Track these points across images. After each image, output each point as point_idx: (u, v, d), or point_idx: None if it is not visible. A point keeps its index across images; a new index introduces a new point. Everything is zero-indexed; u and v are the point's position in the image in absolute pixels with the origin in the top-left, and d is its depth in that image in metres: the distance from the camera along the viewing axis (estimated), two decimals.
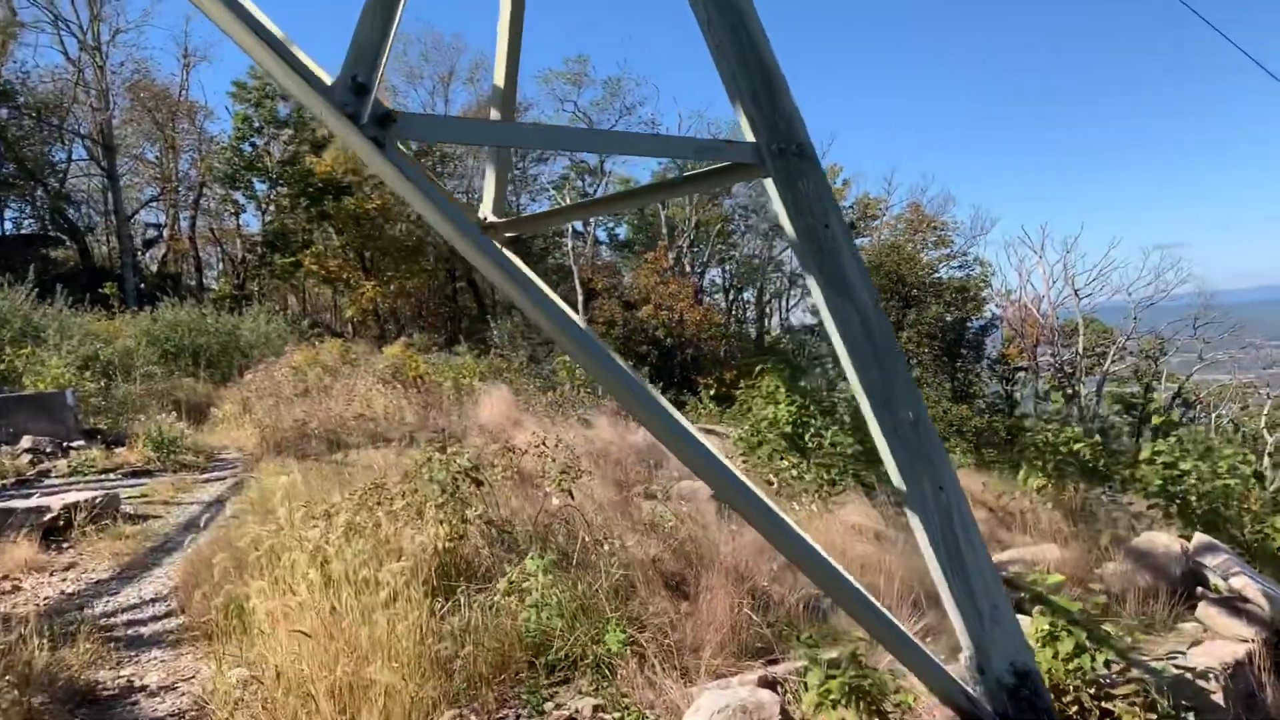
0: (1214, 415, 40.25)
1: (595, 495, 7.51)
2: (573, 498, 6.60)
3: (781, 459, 9.59)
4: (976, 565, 3.55)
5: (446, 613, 5.17)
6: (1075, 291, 38.63)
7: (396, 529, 5.72)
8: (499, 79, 4.47)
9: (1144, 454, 7.73)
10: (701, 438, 3.53)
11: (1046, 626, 4.33)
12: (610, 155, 40.27)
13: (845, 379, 10.88)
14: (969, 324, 38.82)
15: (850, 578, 3.70)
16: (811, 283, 3.63)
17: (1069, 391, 39.02)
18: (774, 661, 5.08)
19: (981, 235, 42.91)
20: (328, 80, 2.85)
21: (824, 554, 3.72)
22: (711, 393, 21.98)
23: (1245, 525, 7.21)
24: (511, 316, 32.06)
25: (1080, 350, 38.51)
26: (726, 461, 3.61)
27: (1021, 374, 41.66)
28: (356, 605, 4.62)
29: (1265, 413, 40.88)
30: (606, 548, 5.93)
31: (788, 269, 45.78)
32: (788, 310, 46.19)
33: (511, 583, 5.44)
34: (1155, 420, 9.73)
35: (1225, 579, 5.11)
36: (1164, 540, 5.97)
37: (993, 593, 3.55)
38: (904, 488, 3.59)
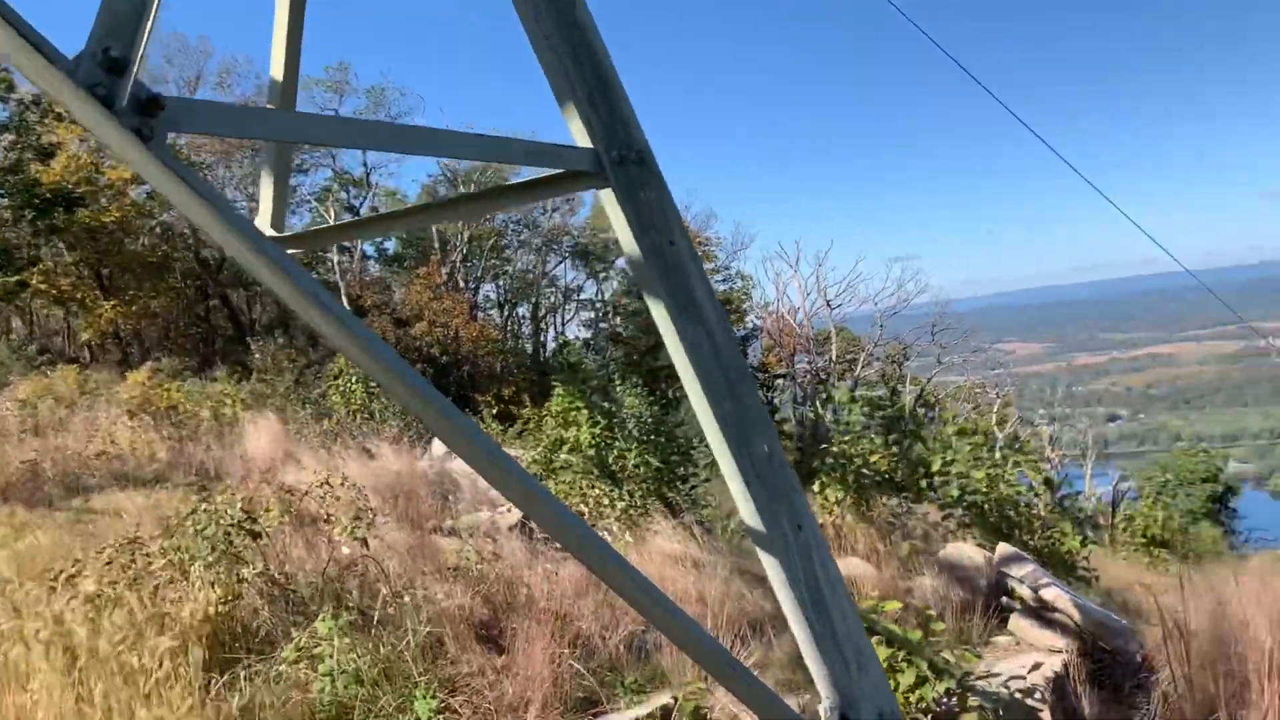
0: (948, 414, 44.06)
1: (389, 538, 6.81)
2: (367, 546, 5.89)
3: (592, 486, 9.19)
4: (840, 609, 3.32)
5: (224, 689, 4.41)
6: (828, 303, 41.11)
7: (159, 594, 4.87)
8: (277, 70, 3.85)
9: (935, 465, 8.02)
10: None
11: (885, 657, 4.21)
12: (385, 163, 38.77)
13: (635, 395, 10.54)
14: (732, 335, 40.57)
15: (687, 613, 3.38)
16: (656, 306, 3.27)
17: (823, 396, 41.54)
18: (600, 714, 4.69)
19: (742, 250, 44.94)
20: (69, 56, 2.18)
21: (657, 587, 3.37)
22: (494, 411, 21.37)
23: (1035, 531, 7.61)
24: (274, 337, 30.03)
25: (834, 357, 41.02)
26: (542, 486, 3.18)
27: (780, 381, 43.95)
28: (112, 698, 3.81)
29: (995, 410, 45.30)
30: (409, 600, 5.32)
31: (562, 283, 45.88)
32: (563, 325, 46.30)
33: (300, 649, 4.73)
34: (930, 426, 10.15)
35: (1034, 589, 5.23)
36: (970, 551, 6.12)
37: (857, 637, 3.33)
38: (760, 528, 3.30)
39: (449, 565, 6.38)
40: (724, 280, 44.03)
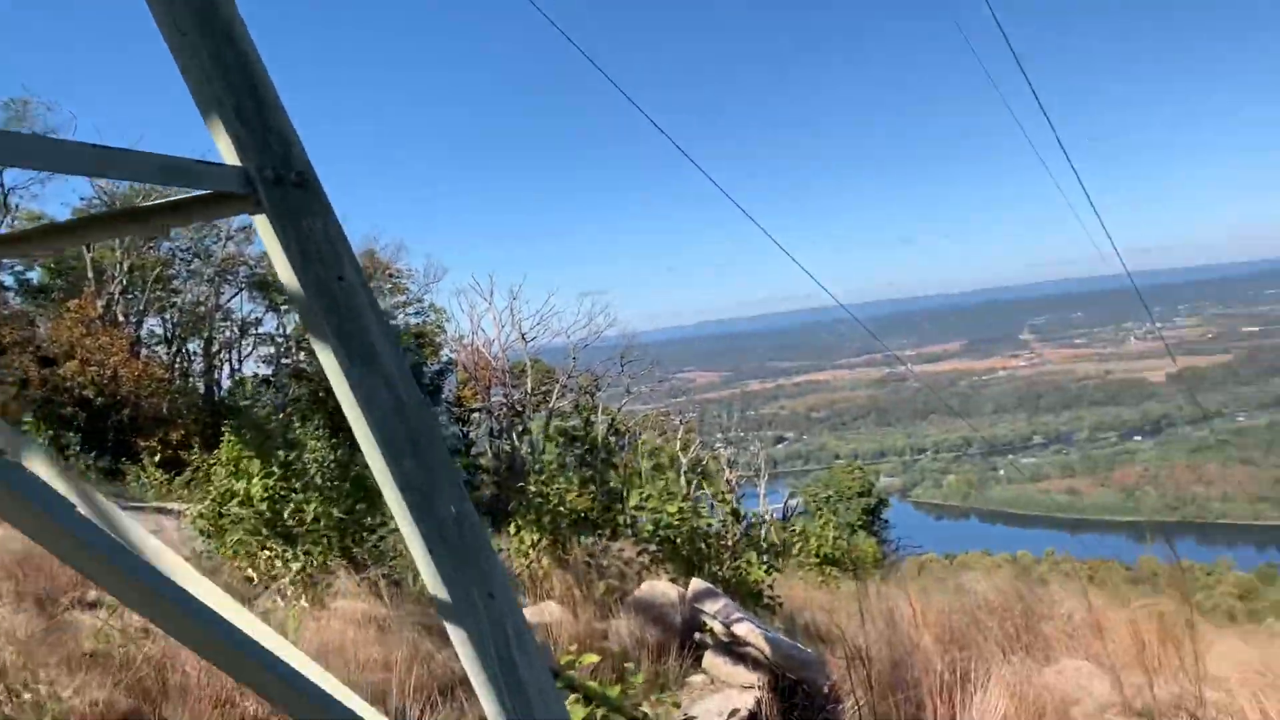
0: (640, 441, 45.93)
1: (6, 624, 5.65)
2: None
3: (263, 546, 8.22)
4: (535, 682, 3.03)
5: None
6: (522, 335, 41.39)
7: None
8: None
9: (632, 500, 8.03)
10: (125, 522, 2.54)
11: (583, 718, 3.99)
12: (26, 183, 34.00)
13: (317, 438, 9.74)
14: (426, 368, 39.89)
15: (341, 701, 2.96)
16: (323, 351, 2.85)
17: (520, 428, 41.78)
18: None
19: (435, 283, 44.12)
20: None
21: (305, 671, 2.94)
22: (157, 458, 19.16)
23: (724, 562, 7.79)
24: None
25: (529, 389, 41.27)
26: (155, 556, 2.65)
27: (477, 415, 43.69)
28: None
29: (680, 436, 47.63)
30: (30, 697, 4.39)
31: (238, 316, 42.66)
32: (239, 361, 42.96)
33: None
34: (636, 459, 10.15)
35: (726, 624, 5.26)
36: (664, 588, 6.10)
37: (554, 711, 3.06)
38: (447, 598, 2.94)
39: (85, 650, 5.40)
40: (417, 313, 43.03)
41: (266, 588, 7.57)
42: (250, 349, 43.39)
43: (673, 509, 7.63)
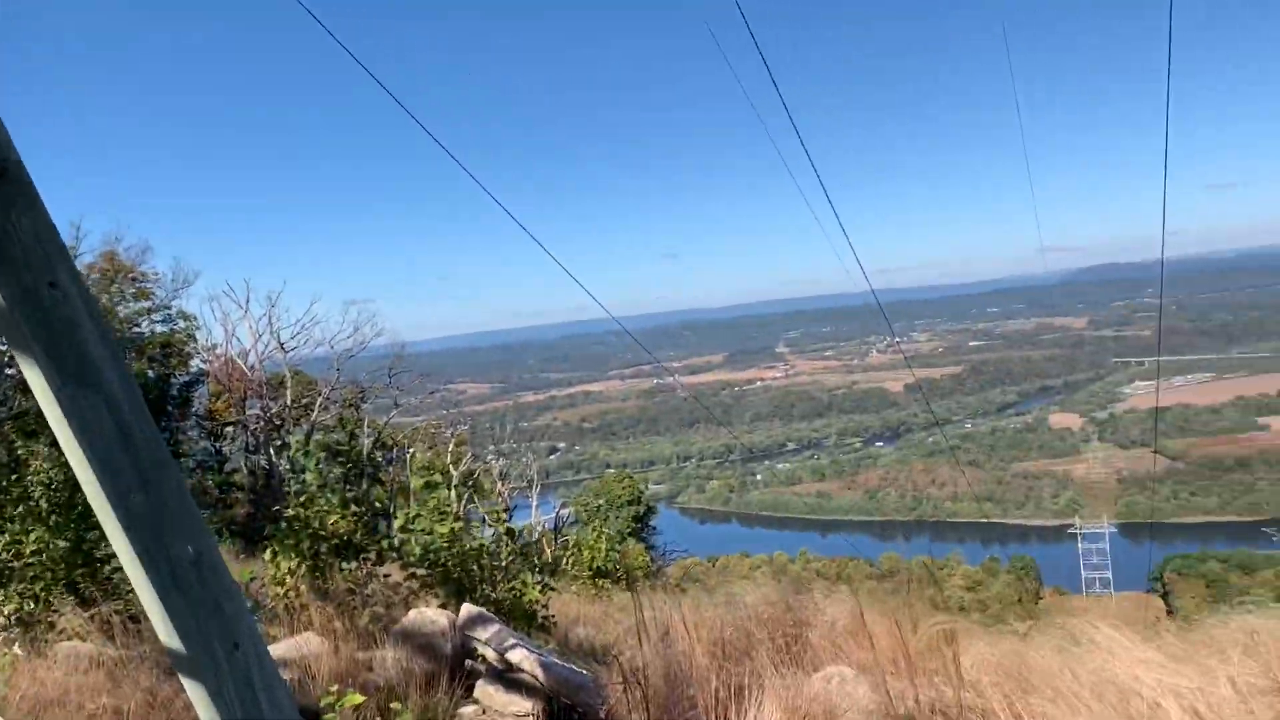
0: (409, 454, 44.55)
1: None
2: None
3: None
4: None
5: None
6: (281, 345, 39.12)
7: None
8: None
9: (399, 521, 7.56)
10: None
11: None
12: None
13: (35, 453, 8.65)
14: (174, 379, 36.81)
15: None
16: (30, 369, 2.43)
17: (278, 442, 39.38)
18: None
19: (185, 288, 40.67)
20: None
21: None
22: None
23: (499, 584, 7.49)
24: None
25: (289, 402, 39.07)
26: None
27: (231, 429, 41.00)
28: None
29: (450, 450, 46.65)
30: None
31: None
32: None
33: None
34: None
35: (500, 651, 5.04)
36: (432, 615, 5.77)
37: None
38: (182, 650, 2.58)
39: None
40: (164, 321, 39.60)
41: None
42: None
43: (443, 529, 7.27)
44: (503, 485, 49.23)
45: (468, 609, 5.68)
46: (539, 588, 7.46)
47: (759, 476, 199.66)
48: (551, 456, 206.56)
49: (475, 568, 7.20)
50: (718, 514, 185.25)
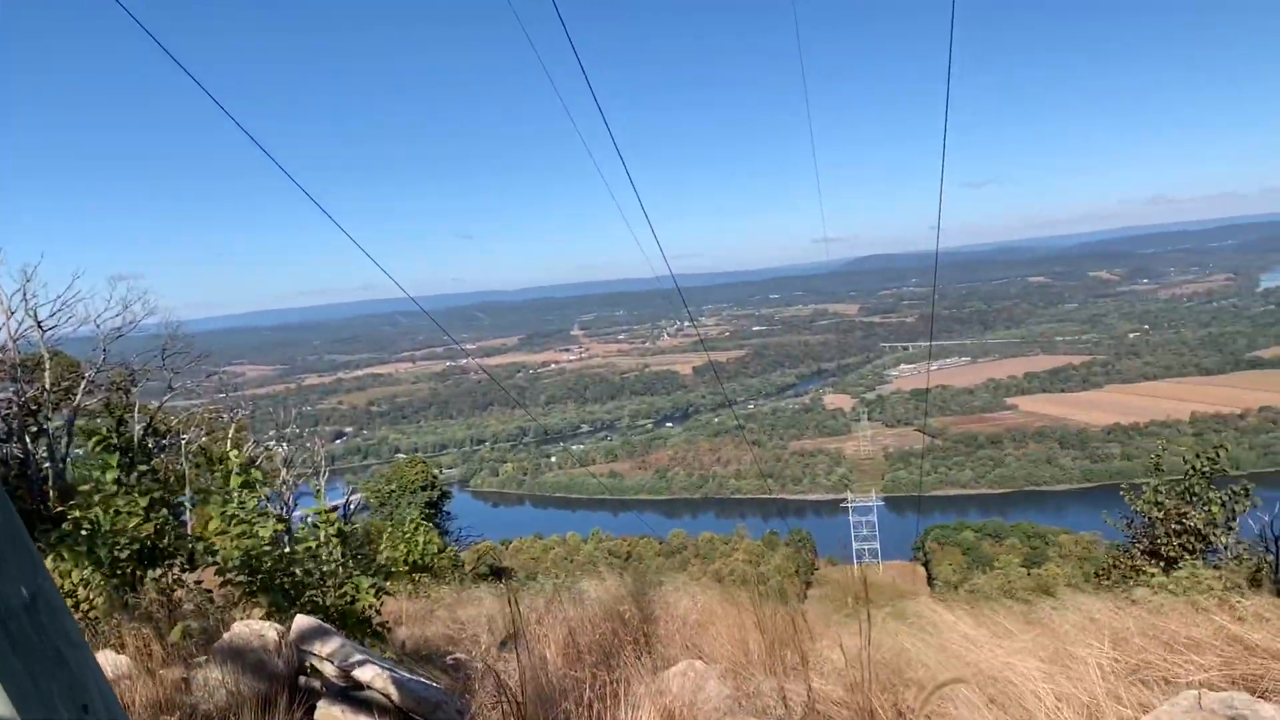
0: (183, 441, 41.52)
1: None
2: None
3: None
4: None
5: None
6: (39, 323, 35.35)
7: None
8: None
9: (214, 523, 6.71)
10: None
11: None
12: None
13: None
14: None
15: None
16: None
17: (34, 429, 35.64)
18: None
19: None
20: None
21: None
22: None
23: (329, 589, 6.80)
24: None
25: (47, 386, 35.39)
26: None
27: None
28: None
29: (230, 435, 43.83)
30: None
31: None
32: None
33: None
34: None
35: (346, 669, 4.55)
36: (260, 629, 5.14)
37: None
38: (15, 714, 2.05)
39: None
40: None
41: None
42: None
43: (265, 531, 6.51)
44: (287, 472, 46.79)
45: (302, 620, 5.12)
46: (373, 591, 6.90)
47: (553, 459, 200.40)
48: (338, 441, 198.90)
49: (300, 573, 6.55)
50: (511, 497, 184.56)
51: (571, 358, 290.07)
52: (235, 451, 8.33)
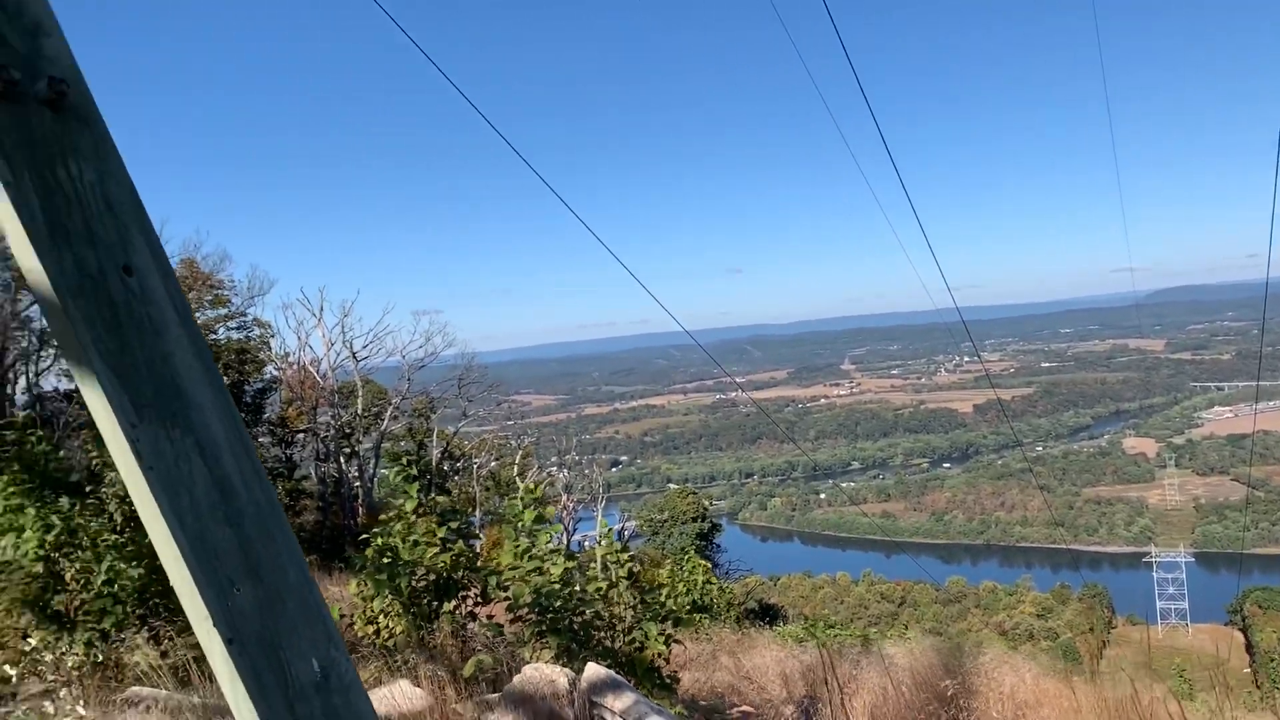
0: (475, 465, 44.32)
1: None
2: None
3: (26, 634, 6.10)
4: None
5: None
6: (353, 354, 39.19)
7: None
8: None
9: (506, 557, 6.65)
10: None
11: None
12: None
13: (114, 466, 8.05)
14: (247, 386, 36.96)
15: None
16: (90, 388, 1.65)
17: (348, 450, 39.21)
18: None
19: (260, 296, 40.67)
20: None
21: None
22: None
23: (619, 635, 6.54)
24: None
25: (359, 411, 39.02)
26: None
27: (302, 436, 41.21)
28: None
29: (517, 461, 46.29)
30: None
31: (37, 326, 38.36)
32: (37, 374, 38.13)
33: None
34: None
35: None
36: (549, 675, 4.92)
37: None
38: None
39: None
40: (239, 328, 39.63)
41: (27, 693, 5.71)
42: (51, 360, 38.72)
43: (557, 570, 6.33)
44: (567, 498, 48.68)
45: (593, 670, 4.81)
46: (663, 639, 6.52)
47: (822, 495, 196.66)
48: (613, 469, 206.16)
49: (590, 614, 6.31)
50: (779, 532, 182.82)
51: (842, 392, 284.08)
52: (521, 479, 8.35)
